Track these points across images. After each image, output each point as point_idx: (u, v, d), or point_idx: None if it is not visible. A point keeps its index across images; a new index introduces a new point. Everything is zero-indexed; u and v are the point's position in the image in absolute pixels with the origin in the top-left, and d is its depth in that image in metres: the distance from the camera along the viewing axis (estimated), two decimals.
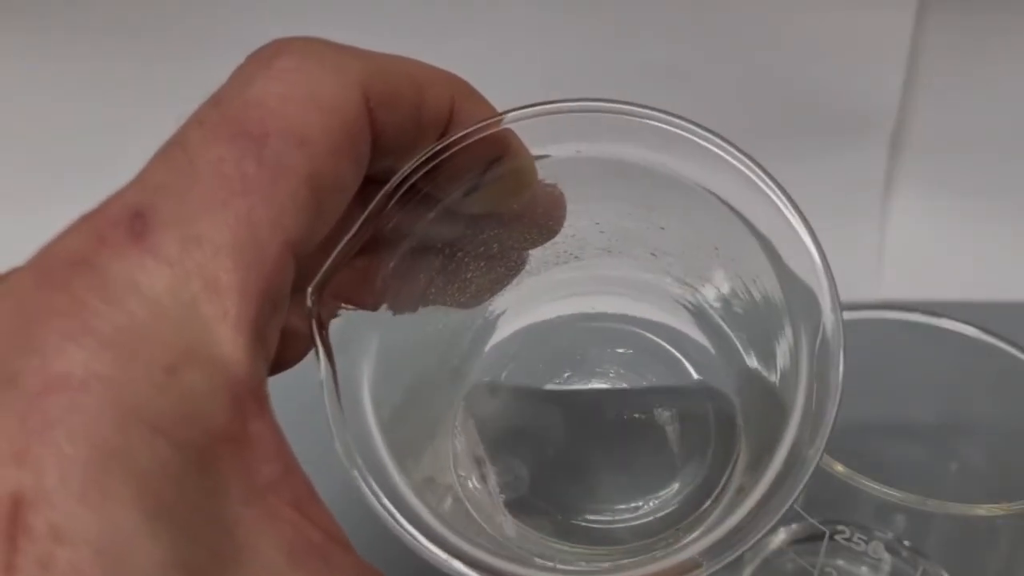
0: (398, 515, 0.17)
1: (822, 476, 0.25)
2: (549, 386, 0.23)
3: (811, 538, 0.27)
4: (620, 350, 0.23)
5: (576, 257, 0.23)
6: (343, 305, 0.18)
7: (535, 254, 0.22)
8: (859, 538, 0.27)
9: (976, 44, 0.41)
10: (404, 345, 0.20)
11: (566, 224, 0.22)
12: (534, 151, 0.20)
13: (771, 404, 0.21)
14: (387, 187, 0.19)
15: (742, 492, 0.19)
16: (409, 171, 0.19)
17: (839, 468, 0.25)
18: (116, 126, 0.43)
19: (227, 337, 0.14)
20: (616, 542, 0.21)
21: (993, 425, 0.30)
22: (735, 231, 0.20)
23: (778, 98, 0.41)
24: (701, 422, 0.22)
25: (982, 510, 0.24)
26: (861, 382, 0.19)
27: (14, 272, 0.15)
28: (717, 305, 0.22)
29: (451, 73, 0.19)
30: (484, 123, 0.20)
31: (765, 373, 0.21)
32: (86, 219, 0.15)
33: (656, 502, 0.22)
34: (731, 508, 0.18)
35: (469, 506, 0.21)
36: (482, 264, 0.22)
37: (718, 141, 0.20)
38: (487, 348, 0.23)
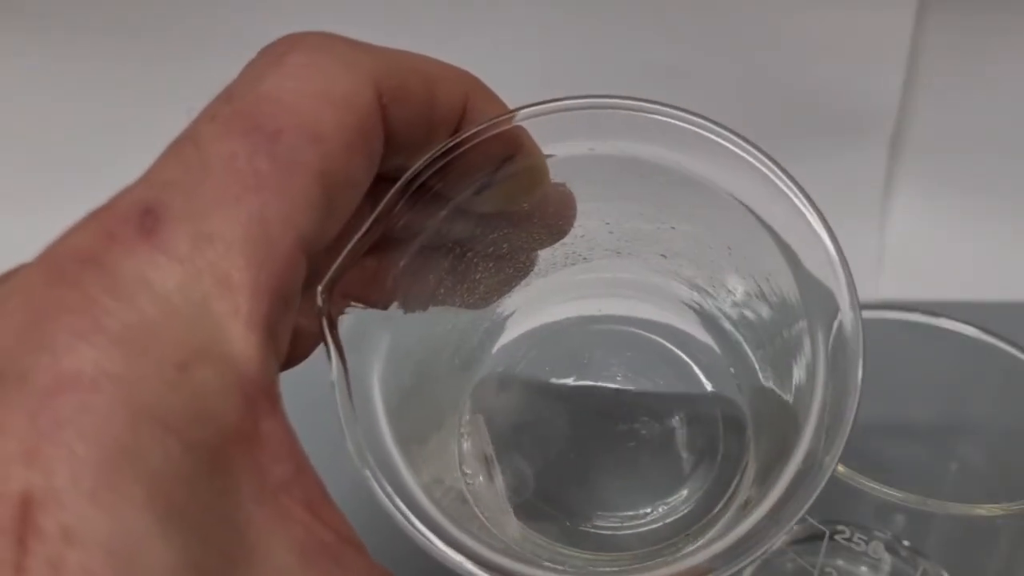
0: (411, 515, 0.17)
1: None
2: (556, 388, 0.23)
3: (811, 538, 0.27)
4: (627, 353, 0.23)
5: (585, 258, 0.23)
6: (352, 303, 0.18)
7: (543, 255, 0.22)
8: (859, 538, 0.27)
9: (976, 44, 0.41)
10: (413, 345, 0.20)
11: (575, 224, 0.21)
12: (546, 149, 0.20)
13: (783, 408, 0.20)
14: (398, 185, 0.19)
15: (754, 499, 0.18)
16: (420, 168, 0.19)
17: (839, 468, 0.25)
18: (116, 126, 0.43)
19: (239, 335, 0.14)
20: (624, 548, 0.21)
21: (993, 425, 0.30)
22: (750, 230, 0.20)
23: (778, 98, 0.41)
24: (709, 427, 0.22)
25: (982, 510, 0.24)
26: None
27: (23, 268, 0.14)
28: (727, 306, 0.22)
29: (463, 69, 0.19)
30: (496, 120, 0.19)
31: (777, 376, 0.21)
32: (95, 215, 0.15)
33: (664, 508, 0.22)
34: (743, 515, 0.18)
35: (475, 507, 0.20)
36: (491, 264, 0.22)
37: (735, 139, 0.19)
38: (494, 350, 0.23)
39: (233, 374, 0.14)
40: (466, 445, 0.22)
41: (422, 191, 0.19)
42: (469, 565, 0.17)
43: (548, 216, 0.21)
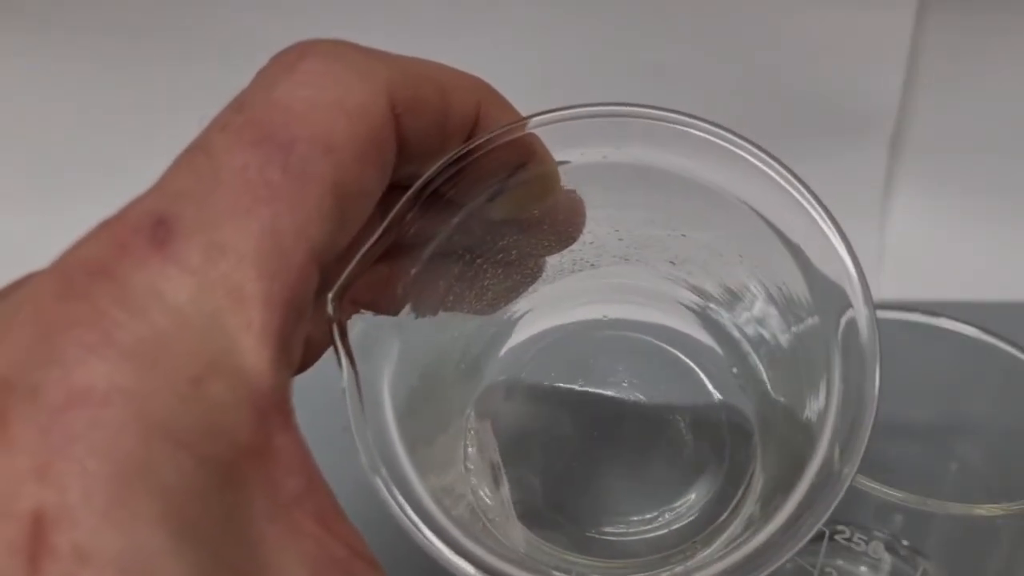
0: (421, 524, 0.17)
1: None
2: (561, 395, 0.23)
3: (811, 538, 0.27)
4: (633, 359, 0.23)
5: (592, 265, 0.22)
6: (362, 311, 0.18)
7: (551, 261, 0.22)
8: (859, 538, 0.27)
9: (976, 44, 0.41)
10: (422, 352, 0.20)
11: (585, 231, 0.21)
12: (558, 156, 0.20)
13: (794, 416, 0.20)
14: (410, 193, 0.19)
15: (767, 510, 0.18)
16: (432, 176, 0.19)
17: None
18: (116, 127, 0.43)
19: (251, 348, 0.14)
20: (630, 554, 0.21)
21: (993, 425, 0.30)
22: (763, 238, 0.20)
23: (778, 98, 0.41)
24: (715, 433, 0.22)
25: (982, 510, 0.24)
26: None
27: (32, 278, 0.14)
28: (736, 313, 0.22)
29: (476, 77, 0.19)
30: (508, 127, 0.19)
31: (787, 383, 0.21)
32: (106, 225, 0.14)
33: (670, 514, 0.21)
34: (758, 526, 0.18)
35: (482, 515, 0.20)
36: (500, 271, 0.22)
37: (749, 147, 0.19)
38: (500, 356, 0.23)
39: (245, 388, 0.14)
40: (472, 451, 0.22)
41: (434, 198, 0.19)
42: (478, 574, 0.17)
43: (558, 223, 0.21)
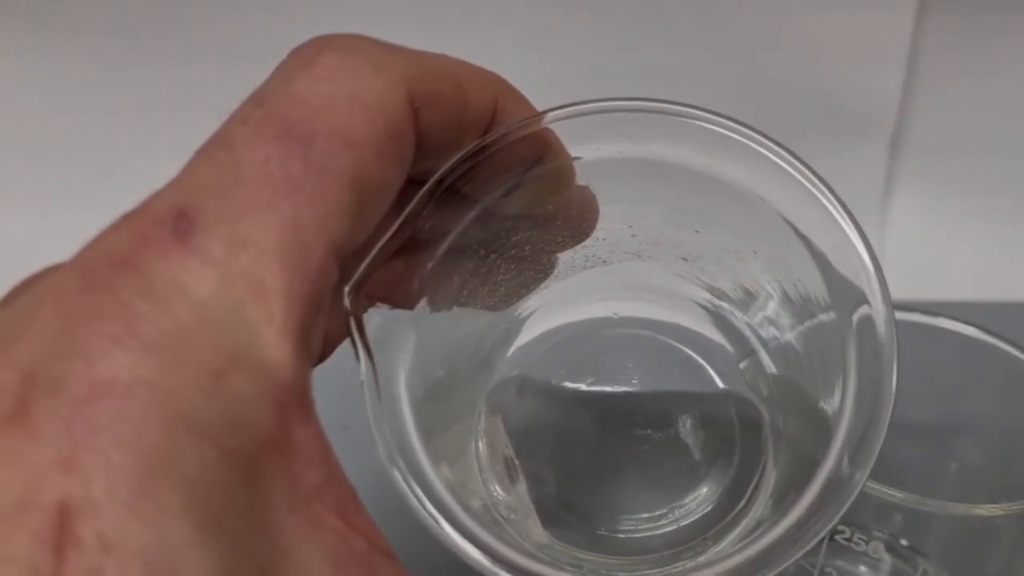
0: (439, 517, 0.17)
1: None
2: (572, 392, 0.23)
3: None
4: (643, 356, 0.23)
5: (604, 261, 0.22)
6: (378, 304, 0.18)
7: (564, 257, 0.22)
8: (859, 538, 0.27)
9: (976, 44, 0.41)
10: (436, 347, 0.20)
11: (597, 227, 0.21)
12: (574, 151, 0.20)
13: (807, 414, 0.20)
14: (426, 188, 0.19)
15: (777, 511, 0.18)
16: (448, 171, 0.19)
17: None
18: (116, 127, 0.43)
19: (273, 341, 0.14)
20: (642, 551, 0.21)
21: (993, 425, 0.30)
22: (780, 234, 0.20)
23: (778, 98, 0.41)
24: (725, 429, 0.22)
25: (982, 510, 0.24)
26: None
27: (53, 271, 0.14)
28: (748, 310, 0.22)
29: (492, 72, 0.19)
30: (524, 122, 0.19)
31: (799, 381, 0.21)
32: (127, 218, 0.14)
33: (681, 510, 0.21)
34: (768, 524, 0.18)
35: (496, 510, 0.20)
36: (513, 267, 0.22)
37: (766, 142, 0.19)
38: (510, 352, 0.23)
39: (267, 381, 0.14)
40: (483, 447, 0.22)
41: (449, 194, 0.19)
42: (497, 568, 0.17)
43: (571, 218, 0.21)
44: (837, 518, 0.17)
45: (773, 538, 0.17)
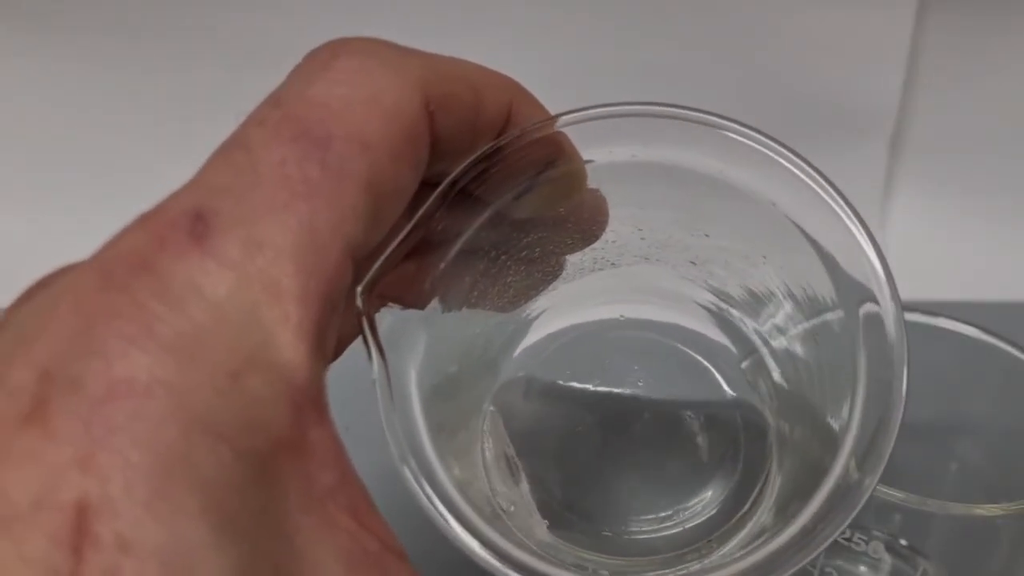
0: (450, 517, 0.17)
1: None
2: (577, 393, 0.23)
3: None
4: (649, 359, 0.23)
5: (613, 264, 0.22)
6: (390, 304, 0.18)
7: (572, 259, 0.22)
8: (859, 538, 0.27)
9: (976, 44, 0.41)
10: (445, 347, 0.20)
11: (608, 230, 0.21)
12: (586, 154, 0.20)
13: (814, 419, 0.20)
14: (439, 190, 0.19)
15: (784, 515, 0.18)
16: (461, 173, 0.19)
17: None
18: (116, 127, 0.43)
19: (288, 343, 0.14)
20: (646, 553, 0.21)
21: (993, 425, 0.30)
22: (789, 237, 0.20)
23: (778, 98, 0.41)
24: (730, 432, 0.22)
25: (982, 510, 0.24)
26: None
27: (69, 271, 0.14)
28: (755, 314, 0.22)
29: (507, 76, 0.19)
30: (537, 125, 0.19)
31: (808, 386, 0.21)
32: (144, 219, 0.14)
33: (685, 512, 0.21)
34: (774, 529, 0.18)
35: (501, 510, 0.20)
36: (522, 268, 0.22)
37: (778, 148, 0.19)
38: (517, 353, 0.23)
39: (282, 382, 0.14)
40: (488, 447, 0.22)
41: (462, 196, 0.19)
42: (505, 567, 0.17)
43: (582, 221, 0.21)
44: (845, 524, 0.17)
45: (781, 543, 0.17)
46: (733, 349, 0.23)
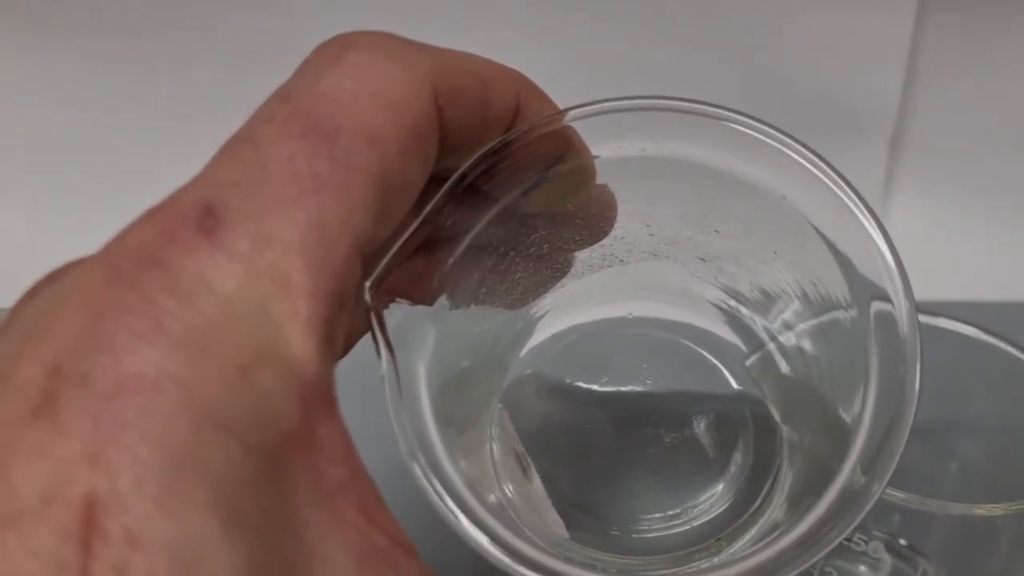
0: (460, 514, 0.17)
1: None
2: (585, 391, 0.23)
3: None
4: (657, 356, 0.23)
5: (622, 261, 0.22)
6: (398, 300, 0.18)
7: (581, 256, 0.22)
8: (859, 538, 0.27)
9: (976, 44, 0.41)
10: (453, 344, 0.20)
11: (616, 226, 0.21)
12: (595, 149, 0.20)
13: (824, 417, 0.20)
14: (447, 185, 0.18)
15: (792, 516, 0.18)
16: (469, 168, 0.19)
17: None
18: (116, 127, 0.43)
19: (298, 338, 0.14)
20: (656, 551, 0.21)
21: (993, 425, 0.30)
22: (800, 233, 0.19)
23: (778, 98, 0.41)
24: (739, 430, 0.22)
25: (982, 510, 0.24)
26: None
27: (77, 266, 0.14)
28: (765, 311, 0.22)
29: (515, 70, 0.19)
30: (545, 119, 0.19)
31: (818, 385, 0.21)
32: (153, 214, 0.14)
33: (695, 511, 0.21)
34: (783, 528, 0.17)
35: (512, 508, 0.20)
36: (531, 264, 0.21)
37: (789, 142, 0.19)
38: (525, 351, 0.23)
39: (292, 377, 0.14)
40: (496, 445, 0.21)
41: (470, 191, 0.19)
42: (516, 564, 0.17)
43: (590, 217, 0.21)
44: (852, 527, 0.17)
45: (787, 543, 0.17)
46: (742, 346, 0.22)
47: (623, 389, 0.23)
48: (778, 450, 0.21)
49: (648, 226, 0.22)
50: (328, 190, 0.15)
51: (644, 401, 0.22)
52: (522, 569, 0.17)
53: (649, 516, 0.21)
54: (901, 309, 0.18)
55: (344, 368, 0.17)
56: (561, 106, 0.20)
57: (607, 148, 0.20)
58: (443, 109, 0.17)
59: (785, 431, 0.21)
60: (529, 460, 0.22)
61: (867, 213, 0.19)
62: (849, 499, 0.17)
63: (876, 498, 0.17)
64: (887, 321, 0.18)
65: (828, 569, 0.27)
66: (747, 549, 0.18)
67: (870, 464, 0.17)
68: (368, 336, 0.18)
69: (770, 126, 0.19)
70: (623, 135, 0.20)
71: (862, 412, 0.18)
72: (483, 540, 0.17)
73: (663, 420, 0.22)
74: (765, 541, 0.18)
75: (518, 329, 0.23)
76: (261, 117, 0.16)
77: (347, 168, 0.15)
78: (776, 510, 0.20)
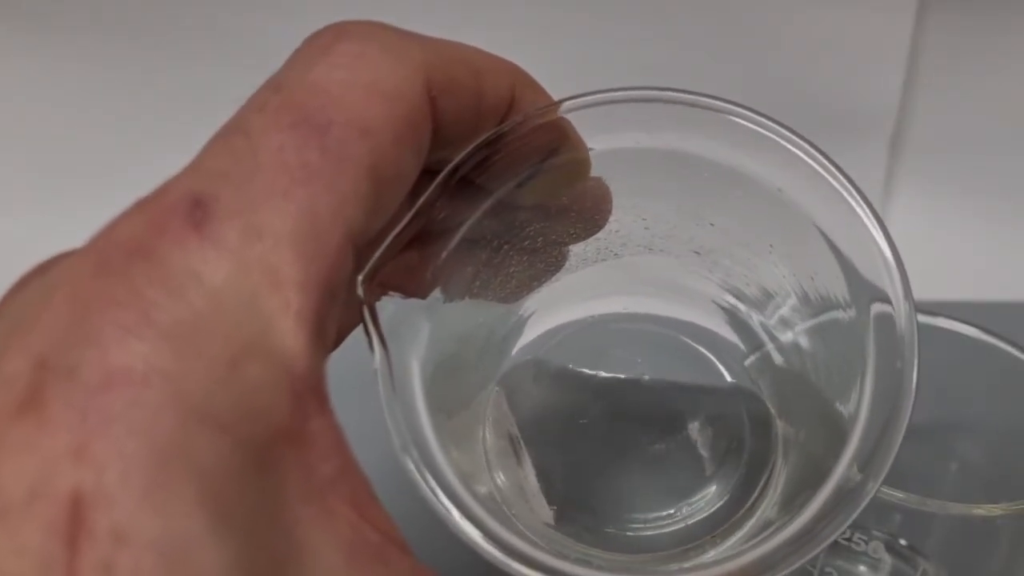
0: (453, 508, 0.17)
1: None
2: (580, 387, 0.23)
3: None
4: (652, 351, 0.23)
5: (616, 255, 0.22)
6: (391, 293, 0.18)
7: (575, 250, 0.22)
8: (859, 538, 0.27)
9: (976, 44, 0.41)
10: (447, 337, 0.20)
11: (611, 219, 0.21)
12: (590, 141, 0.20)
13: (821, 415, 0.20)
14: (440, 177, 0.18)
15: (787, 512, 0.18)
16: (463, 160, 0.18)
17: None
18: (116, 127, 0.43)
19: (288, 330, 0.14)
20: (650, 548, 0.21)
21: (993, 425, 0.30)
22: (797, 226, 0.19)
23: (778, 98, 0.41)
24: (735, 427, 0.22)
25: (982, 510, 0.24)
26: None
27: (65, 258, 0.14)
28: (761, 306, 0.22)
29: (510, 61, 0.19)
30: (540, 110, 0.19)
31: (814, 381, 0.21)
32: (142, 205, 0.14)
33: (689, 508, 0.21)
34: (777, 526, 0.17)
35: (504, 504, 0.20)
36: (525, 258, 0.21)
37: (786, 133, 0.19)
38: (518, 346, 0.22)
39: (282, 370, 0.14)
40: (490, 438, 0.21)
41: (464, 183, 0.19)
42: (510, 560, 0.17)
43: (585, 210, 0.21)
44: (846, 525, 0.17)
45: (781, 540, 0.17)
46: (738, 342, 0.22)
47: (618, 385, 0.23)
48: (773, 447, 0.21)
49: (643, 219, 0.22)
50: (319, 181, 0.15)
51: (639, 397, 0.22)
52: (515, 564, 0.16)
53: (643, 513, 0.21)
54: (899, 304, 0.18)
55: (336, 362, 0.17)
56: (556, 99, 0.20)
57: (602, 140, 0.20)
58: (436, 100, 0.17)
59: (780, 428, 0.21)
60: (522, 443, 0.21)
61: (864, 206, 0.19)
62: (844, 496, 0.17)
63: (871, 495, 0.17)
64: (885, 316, 0.18)
65: (828, 569, 0.27)
66: (741, 546, 0.18)
67: (866, 461, 0.17)
68: (360, 329, 0.17)
69: (766, 117, 0.19)
70: (618, 127, 0.19)
71: (858, 408, 0.18)
72: (476, 535, 0.17)
73: (658, 416, 0.22)
74: (759, 538, 0.17)
75: (512, 323, 0.22)
76: (252, 107, 0.15)
77: (338, 159, 0.15)
78: (770, 508, 0.20)
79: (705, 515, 0.21)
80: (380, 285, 0.17)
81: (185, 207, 0.14)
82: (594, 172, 0.20)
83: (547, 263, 0.22)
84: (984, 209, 0.44)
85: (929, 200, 0.45)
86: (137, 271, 0.13)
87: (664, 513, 0.21)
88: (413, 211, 0.18)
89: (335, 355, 0.17)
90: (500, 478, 0.21)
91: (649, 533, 0.21)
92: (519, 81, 0.19)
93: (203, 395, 0.13)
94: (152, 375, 0.13)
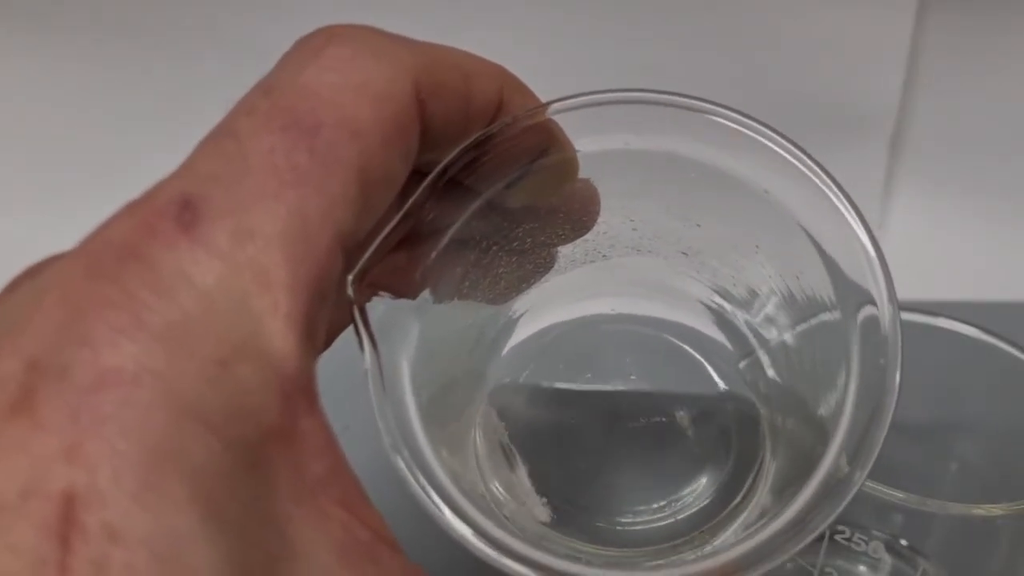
0: (444, 507, 0.17)
1: None
2: (569, 387, 0.23)
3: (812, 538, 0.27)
4: (640, 352, 0.23)
5: (604, 256, 0.22)
6: (381, 293, 0.18)
7: (564, 251, 0.22)
8: (859, 538, 0.27)
9: (976, 44, 0.41)
10: (437, 338, 0.20)
11: (599, 220, 0.21)
12: (577, 143, 0.20)
13: (806, 412, 0.20)
14: (429, 178, 0.18)
15: (775, 506, 0.18)
16: (451, 161, 0.19)
17: None
18: (116, 127, 0.43)
19: (278, 332, 0.14)
20: (639, 544, 0.21)
21: (993, 425, 0.30)
22: (783, 228, 0.19)
23: (778, 98, 0.41)
24: (722, 424, 0.22)
25: (982, 510, 0.24)
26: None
27: (57, 260, 0.14)
28: (747, 306, 0.22)
29: (498, 64, 0.19)
30: (528, 112, 0.19)
31: (801, 378, 0.21)
32: (133, 207, 0.14)
33: (677, 504, 0.21)
34: (766, 520, 0.18)
35: (495, 503, 0.20)
36: (513, 259, 0.21)
37: (774, 136, 0.19)
38: (509, 347, 0.23)
39: (272, 371, 0.14)
40: (480, 439, 0.21)
41: (453, 185, 0.19)
42: (502, 557, 0.17)
43: (573, 211, 0.21)
44: (835, 515, 0.17)
45: (770, 533, 0.17)
46: (725, 342, 0.22)
47: (607, 384, 0.23)
48: (761, 443, 0.21)
49: (631, 220, 0.22)
50: (308, 183, 0.15)
51: (628, 396, 0.23)
52: (506, 560, 0.17)
53: (633, 509, 0.22)
54: (883, 302, 0.18)
55: (326, 362, 0.17)
56: (548, 100, 0.20)
57: (590, 142, 0.20)
58: (425, 103, 0.17)
59: (768, 423, 0.22)
60: (514, 449, 0.21)
61: (849, 207, 0.19)
62: (832, 487, 0.17)
63: (859, 486, 0.17)
64: (868, 315, 0.18)
65: (828, 569, 0.27)
66: (731, 540, 0.18)
67: (853, 453, 0.17)
68: (351, 330, 0.17)
69: (753, 119, 0.19)
70: (606, 129, 0.20)
71: (844, 402, 0.18)
72: (466, 532, 0.17)
73: (647, 414, 0.22)
74: (748, 531, 0.18)
75: (501, 324, 0.23)
76: (242, 110, 0.16)
77: (327, 161, 0.15)
78: (759, 502, 0.20)
79: (695, 510, 0.21)
80: (370, 286, 0.17)
81: (175, 209, 0.14)
82: (582, 173, 0.20)
83: (536, 264, 0.22)
84: (984, 209, 0.44)
85: (929, 200, 0.45)
86: (128, 273, 0.13)
87: (654, 507, 0.21)
88: (402, 212, 0.18)
89: (325, 355, 0.17)
90: (493, 480, 0.21)
91: (639, 528, 0.21)
92: (507, 84, 0.19)
93: (194, 395, 0.13)
94: (143, 375, 0.13)
